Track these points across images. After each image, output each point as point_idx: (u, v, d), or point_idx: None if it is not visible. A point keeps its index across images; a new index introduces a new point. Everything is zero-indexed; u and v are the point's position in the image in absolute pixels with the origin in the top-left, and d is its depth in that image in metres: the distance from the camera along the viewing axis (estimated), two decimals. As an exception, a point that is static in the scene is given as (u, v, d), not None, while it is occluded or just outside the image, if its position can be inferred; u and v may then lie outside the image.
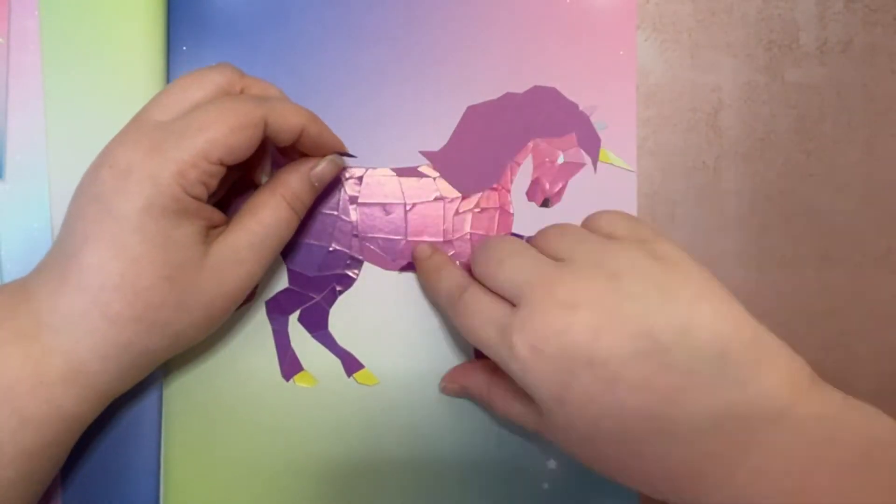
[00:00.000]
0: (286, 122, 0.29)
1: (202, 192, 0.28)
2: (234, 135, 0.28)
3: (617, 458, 0.27)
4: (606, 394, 0.26)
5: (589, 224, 0.31)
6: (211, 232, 0.29)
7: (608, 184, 0.36)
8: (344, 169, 0.35)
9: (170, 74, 0.35)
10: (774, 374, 0.26)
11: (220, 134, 0.27)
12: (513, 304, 0.28)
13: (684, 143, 0.36)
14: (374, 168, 0.35)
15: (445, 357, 0.35)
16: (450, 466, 0.35)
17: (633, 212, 0.36)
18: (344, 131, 0.35)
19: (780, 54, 0.37)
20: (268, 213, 0.30)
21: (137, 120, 0.29)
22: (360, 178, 0.35)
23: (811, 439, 0.25)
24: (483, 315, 0.29)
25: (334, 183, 0.35)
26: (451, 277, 0.32)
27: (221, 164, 0.28)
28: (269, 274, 0.35)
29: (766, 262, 0.36)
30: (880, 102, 0.37)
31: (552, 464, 0.35)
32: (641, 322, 0.26)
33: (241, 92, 0.30)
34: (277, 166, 0.33)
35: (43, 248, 0.30)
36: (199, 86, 0.29)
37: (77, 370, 0.27)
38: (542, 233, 0.31)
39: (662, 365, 0.25)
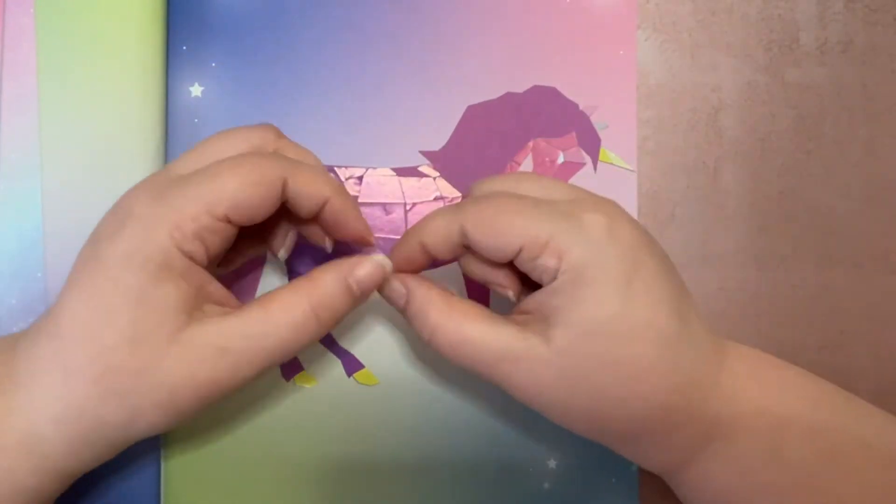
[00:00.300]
0: (308, 189, 0.26)
1: (198, 252, 0.25)
2: (245, 190, 0.25)
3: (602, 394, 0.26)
4: (666, 285, 0.26)
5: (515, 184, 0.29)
6: (205, 307, 0.26)
7: (608, 183, 0.36)
8: (344, 168, 0.35)
9: (169, 74, 0.34)
10: (736, 359, 0.28)
11: (229, 186, 0.25)
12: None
13: (684, 143, 0.36)
14: (374, 168, 0.35)
15: (446, 357, 0.35)
16: (450, 466, 0.35)
17: (634, 211, 0.36)
18: (344, 131, 0.35)
19: (781, 54, 0.37)
20: (281, 313, 0.25)
21: (160, 171, 0.27)
22: (360, 178, 0.35)
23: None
24: (531, 204, 0.26)
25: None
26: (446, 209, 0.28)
27: (228, 221, 0.25)
28: (269, 274, 0.34)
29: (766, 262, 0.36)
30: (880, 102, 0.37)
31: (552, 464, 0.35)
32: (640, 233, 0.28)
33: (287, 182, 0.26)
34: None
35: (35, 249, 0.29)
36: (230, 142, 0.27)
37: (31, 435, 0.24)
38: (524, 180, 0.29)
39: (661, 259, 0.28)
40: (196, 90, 0.35)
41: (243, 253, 0.30)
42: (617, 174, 0.36)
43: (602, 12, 0.36)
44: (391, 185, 0.35)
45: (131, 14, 0.33)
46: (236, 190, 0.25)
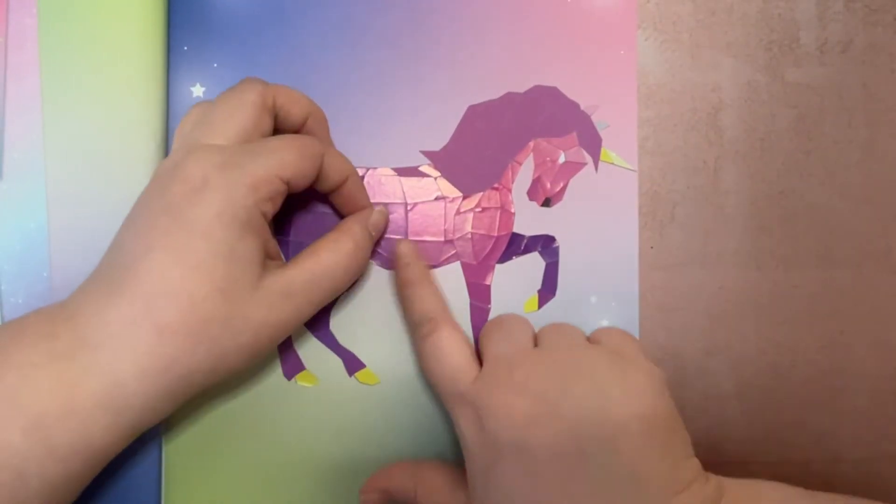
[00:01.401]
0: (338, 165, 0.31)
1: (269, 211, 0.29)
2: (304, 161, 0.29)
3: None
4: (527, 482, 0.27)
5: (593, 335, 0.32)
6: (267, 262, 0.29)
7: (609, 183, 0.36)
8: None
9: (170, 74, 0.35)
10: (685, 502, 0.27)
11: (292, 157, 0.29)
12: (480, 360, 0.30)
13: (684, 142, 0.36)
14: (375, 168, 0.35)
15: (446, 357, 0.35)
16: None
17: (634, 211, 0.36)
18: (345, 131, 0.35)
19: (781, 54, 0.37)
20: (330, 257, 0.31)
21: (189, 143, 0.29)
22: (361, 178, 0.35)
23: None
24: (447, 366, 0.30)
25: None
26: (426, 302, 0.33)
27: (289, 186, 0.29)
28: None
29: (766, 262, 0.36)
30: (880, 102, 0.37)
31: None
32: (573, 427, 0.27)
33: (275, 100, 0.31)
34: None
35: (40, 248, 0.30)
36: (242, 109, 0.29)
37: (111, 392, 0.26)
38: (545, 326, 0.32)
39: (583, 473, 0.26)
40: (197, 90, 0.35)
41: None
42: (617, 174, 0.36)
43: (602, 12, 0.36)
44: (392, 185, 0.35)
45: (133, 14, 0.33)
46: (298, 160, 0.29)
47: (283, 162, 0.28)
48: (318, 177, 0.31)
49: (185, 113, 0.31)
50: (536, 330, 0.32)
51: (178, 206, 0.27)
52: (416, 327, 0.32)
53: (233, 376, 0.29)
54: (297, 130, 0.32)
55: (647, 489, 0.26)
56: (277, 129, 0.32)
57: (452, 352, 0.30)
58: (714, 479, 0.28)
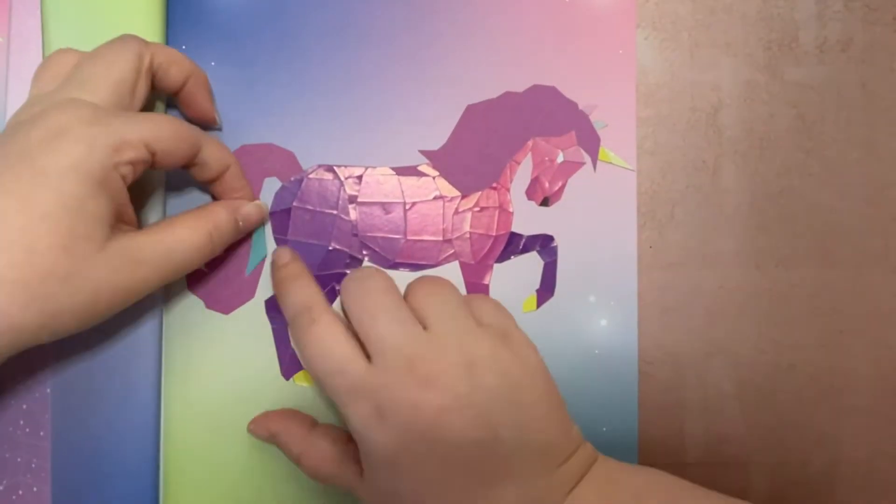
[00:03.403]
0: (218, 154, 0.31)
1: (128, 175, 0.28)
2: (177, 138, 0.29)
3: None
4: (437, 468, 0.28)
5: (470, 307, 0.31)
6: (120, 225, 0.29)
7: (608, 183, 0.36)
8: (344, 167, 0.35)
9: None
10: (572, 464, 0.29)
11: (166, 131, 0.28)
12: (365, 351, 0.29)
13: (684, 142, 0.36)
14: (374, 167, 0.35)
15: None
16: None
17: (633, 211, 0.36)
18: (343, 130, 0.35)
19: (780, 53, 0.37)
20: (185, 232, 0.30)
21: (57, 98, 0.28)
22: (360, 178, 0.35)
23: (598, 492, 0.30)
24: (333, 357, 0.29)
25: (334, 183, 0.35)
26: (304, 293, 0.31)
27: (154, 158, 0.28)
28: (269, 274, 0.35)
29: (766, 262, 0.36)
30: (880, 102, 0.37)
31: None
32: (486, 414, 0.28)
33: (152, 59, 0.30)
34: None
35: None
36: (117, 67, 0.29)
37: None
38: (414, 285, 0.31)
39: (494, 454, 0.28)
40: (196, 90, 0.35)
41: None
42: (616, 173, 0.36)
43: (601, 11, 0.36)
44: (390, 185, 0.35)
45: (132, 14, 0.33)
46: (171, 136, 0.28)
47: (155, 131, 0.28)
48: (197, 165, 0.31)
49: (46, 59, 0.30)
50: (403, 291, 0.31)
51: (32, 153, 0.26)
52: (294, 319, 0.31)
53: (59, 338, 0.27)
54: (176, 93, 0.32)
55: (548, 458, 0.29)
56: (155, 91, 0.31)
57: (337, 341, 0.29)
58: (589, 445, 0.31)
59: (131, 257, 0.28)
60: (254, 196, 0.34)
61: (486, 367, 0.28)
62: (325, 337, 0.29)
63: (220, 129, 0.35)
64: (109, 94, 0.28)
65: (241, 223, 0.33)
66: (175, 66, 0.31)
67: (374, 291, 0.30)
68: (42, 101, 0.28)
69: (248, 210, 0.33)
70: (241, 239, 0.34)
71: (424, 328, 0.29)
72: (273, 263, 0.34)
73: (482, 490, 0.28)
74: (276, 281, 0.33)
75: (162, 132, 0.28)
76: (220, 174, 0.32)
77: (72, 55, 0.30)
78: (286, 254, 0.34)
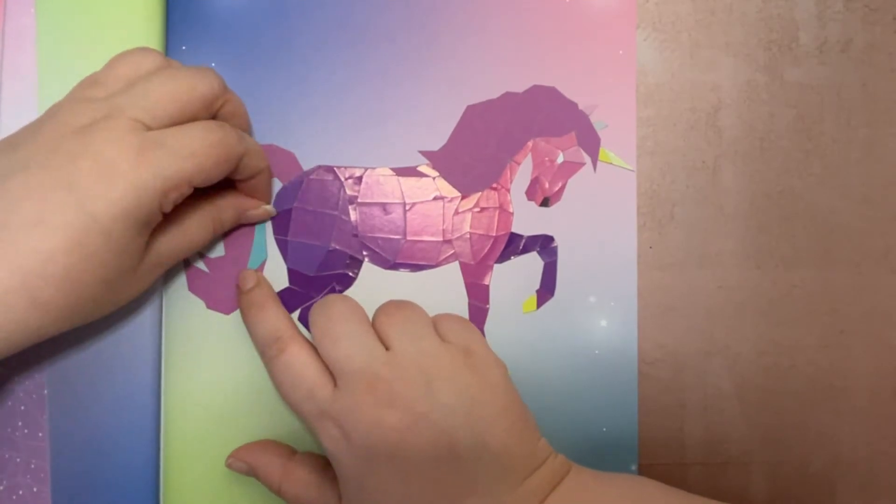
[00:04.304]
0: (255, 163, 0.31)
1: (169, 207, 0.28)
2: (219, 167, 0.29)
3: None
4: (401, 486, 0.28)
5: (436, 325, 0.32)
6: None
7: (608, 183, 0.36)
8: (344, 168, 0.35)
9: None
10: (539, 477, 0.30)
11: (208, 164, 0.28)
12: (333, 377, 0.30)
13: (684, 142, 0.36)
14: (374, 168, 0.35)
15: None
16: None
17: (633, 211, 0.36)
18: (343, 131, 0.35)
19: (780, 54, 0.37)
20: (195, 233, 0.31)
21: (113, 105, 0.27)
22: (360, 178, 0.35)
23: None
24: (302, 385, 0.30)
25: (334, 183, 0.35)
26: (270, 323, 0.32)
27: (195, 187, 0.29)
28: (270, 274, 0.35)
29: (766, 262, 0.36)
30: (880, 102, 0.37)
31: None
32: (445, 432, 0.28)
33: (223, 106, 0.30)
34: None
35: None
36: (186, 99, 0.28)
37: None
38: (380, 308, 0.32)
39: (455, 470, 0.28)
40: (196, 90, 0.35)
41: None
42: (616, 174, 0.36)
43: (601, 12, 0.36)
44: (390, 185, 0.35)
45: (131, 14, 0.33)
46: (213, 167, 0.28)
47: (199, 169, 0.28)
48: (235, 172, 0.31)
49: (128, 53, 0.29)
50: (372, 314, 0.31)
51: (82, 189, 0.26)
52: (265, 348, 0.32)
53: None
54: (241, 180, 0.32)
55: (512, 472, 0.29)
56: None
57: (305, 369, 0.30)
58: (561, 456, 0.31)
59: (153, 264, 0.29)
60: (270, 199, 0.35)
61: (444, 384, 0.29)
62: (294, 364, 0.30)
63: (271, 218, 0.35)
64: (167, 123, 0.28)
65: (245, 223, 0.34)
66: (240, 121, 0.32)
67: (336, 317, 0.30)
68: (95, 108, 0.27)
69: (256, 214, 0.34)
70: (241, 239, 0.34)
71: (387, 349, 0.30)
72: (238, 288, 0.34)
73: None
74: (243, 307, 0.33)
75: (207, 163, 0.28)
76: (249, 179, 0.32)
77: (153, 59, 0.29)
78: (251, 278, 0.33)
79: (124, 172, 0.26)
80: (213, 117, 0.30)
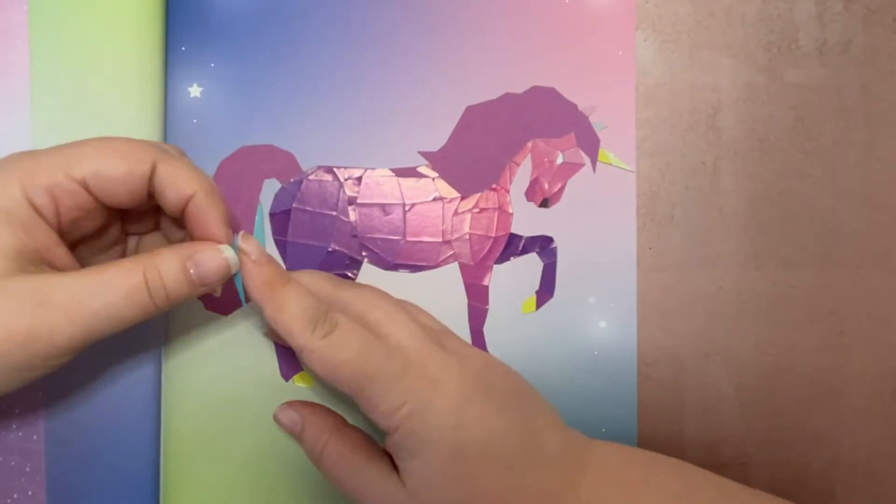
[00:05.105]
0: (171, 180, 0.26)
1: (47, 207, 0.25)
2: (109, 160, 0.25)
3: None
4: (503, 413, 0.29)
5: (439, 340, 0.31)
6: (43, 266, 0.25)
7: (607, 184, 0.36)
8: (343, 168, 0.35)
9: (168, 75, 0.34)
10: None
11: (91, 153, 0.25)
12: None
13: (683, 143, 0.36)
14: (373, 168, 0.35)
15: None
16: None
17: (633, 212, 0.36)
18: (343, 132, 0.35)
19: (780, 55, 0.37)
20: (114, 275, 0.25)
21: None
22: (359, 179, 0.35)
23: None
24: (372, 361, 0.27)
25: (333, 184, 0.35)
26: (307, 298, 0.27)
27: (87, 188, 0.25)
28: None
29: (766, 262, 0.36)
30: (880, 102, 0.37)
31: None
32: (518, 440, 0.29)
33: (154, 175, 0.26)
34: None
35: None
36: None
37: None
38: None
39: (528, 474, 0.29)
40: (195, 90, 0.35)
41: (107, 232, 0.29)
42: (616, 175, 0.36)
43: (601, 13, 0.36)
44: (390, 186, 0.35)
45: (129, 13, 0.33)
46: (99, 157, 0.25)
47: (80, 157, 0.24)
48: (155, 194, 0.26)
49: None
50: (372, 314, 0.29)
51: None
52: (307, 329, 0.27)
53: None
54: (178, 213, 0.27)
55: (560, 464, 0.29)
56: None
57: (365, 345, 0.27)
58: (584, 438, 0.31)
59: (34, 298, 0.24)
60: (229, 236, 0.27)
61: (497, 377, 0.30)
62: (351, 341, 0.27)
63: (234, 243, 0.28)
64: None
65: (192, 272, 0.26)
66: (175, 173, 0.26)
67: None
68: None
69: (204, 256, 0.26)
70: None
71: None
72: (243, 254, 0.27)
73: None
74: (258, 284, 0.27)
75: (88, 153, 0.25)
76: (179, 204, 0.26)
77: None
78: (255, 245, 0.27)
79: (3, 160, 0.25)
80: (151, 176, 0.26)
